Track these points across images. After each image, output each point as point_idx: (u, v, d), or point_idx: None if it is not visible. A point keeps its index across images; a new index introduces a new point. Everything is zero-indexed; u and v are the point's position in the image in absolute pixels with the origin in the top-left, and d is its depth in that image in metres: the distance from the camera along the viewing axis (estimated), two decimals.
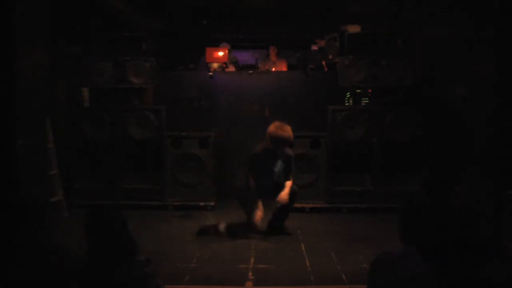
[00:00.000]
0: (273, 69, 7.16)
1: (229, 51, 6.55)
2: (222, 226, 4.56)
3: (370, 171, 5.32)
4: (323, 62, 6.38)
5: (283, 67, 7.42)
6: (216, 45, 6.86)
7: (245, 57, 8.41)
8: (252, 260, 3.66)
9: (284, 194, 4.27)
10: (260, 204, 4.35)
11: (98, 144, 5.41)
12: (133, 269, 1.79)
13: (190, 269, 3.47)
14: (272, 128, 4.27)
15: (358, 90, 5.67)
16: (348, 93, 5.78)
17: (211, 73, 6.00)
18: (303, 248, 3.99)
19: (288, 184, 4.34)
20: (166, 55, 6.97)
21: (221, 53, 6.25)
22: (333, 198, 5.28)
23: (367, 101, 5.68)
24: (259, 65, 7.11)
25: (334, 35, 6.05)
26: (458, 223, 1.50)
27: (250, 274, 3.37)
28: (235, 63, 7.03)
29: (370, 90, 5.66)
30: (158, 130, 5.39)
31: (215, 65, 6.31)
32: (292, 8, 7.57)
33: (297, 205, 5.28)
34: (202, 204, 5.39)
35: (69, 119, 5.50)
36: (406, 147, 5.23)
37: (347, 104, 5.81)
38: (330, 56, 6.14)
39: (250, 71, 6.18)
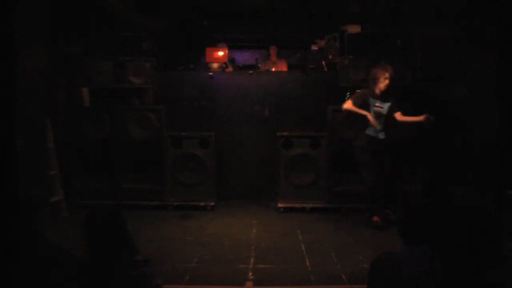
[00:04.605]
0: (273, 69, 7.15)
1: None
2: None
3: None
4: (323, 62, 6.38)
5: (283, 67, 7.42)
6: (216, 45, 6.87)
7: (245, 57, 8.41)
8: (252, 260, 3.67)
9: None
10: None
11: (98, 144, 5.41)
12: (132, 269, 1.79)
13: (190, 269, 3.47)
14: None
15: (358, 90, 5.66)
16: (348, 93, 5.77)
17: (211, 73, 6.00)
18: (303, 248, 3.99)
19: None
20: (166, 55, 6.97)
21: (221, 53, 6.26)
22: (333, 198, 5.28)
23: None
24: (259, 65, 7.11)
25: (334, 35, 6.04)
26: (460, 224, 1.49)
27: (250, 274, 3.37)
28: (232, 62, 7.04)
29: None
30: (158, 130, 5.39)
31: (215, 65, 6.32)
32: (292, 8, 7.57)
33: (297, 205, 5.32)
34: (202, 204, 5.39)
35: (69, 119, 5.50)
36: (406, 147, 5.23)
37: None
38: (330, 56, 6.14)
39: (250, 71, 6.18)
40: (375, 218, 4.59)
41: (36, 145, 4.63)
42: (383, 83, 4.51)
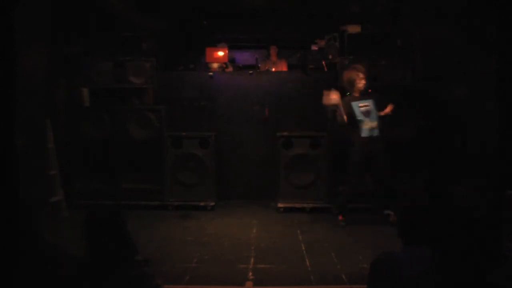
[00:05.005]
0: (273, 69, 7.15)
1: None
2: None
3: (370, 171, 5.31)
4: (323, 62, 6.38)
5: (283, 67, 7.42)
6: (216, 45, 6.86)
7: (245, 57, 8.41)
8: (252, 260, 3.67)
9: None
10: None
11: (98, 144, 5.41)
12: (132, 269, 1.79)
13: (190, 269, 3.47)
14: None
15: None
16: (348, 93, 5.77)
17: (211, 73, 6.00)
18: (303, 248, 3.99)
19: None
20: (166, 55, 6.97)
21: (221, 53, 6.25)
22: (333, 198, 5.27)
23: None
24: (259, 65, 7.11)
25: (334, 35, 6.04)
26: (460, 224, 1.49)
27: (250, 274, 3.37)
28: (232, 62, 7.04)
29: (370, 90, 5.65)
30: (158, 130, 5.39)
31: (215, 65, 6.31)
32: (292, 8, 7.57)
33: (297, 205, 5.32)
34: (202, 204, 5.39)
35: (69, 119, 5.50)
36: (406, 147, 5.23)
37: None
38: (330, 56, 6.14)
39: (250, 71, 6.18)
40: (341, 217, 4.70)
41: (36, 145, 4.63)
42: (360, 83, 4.59)
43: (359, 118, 4.55)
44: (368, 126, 4.54)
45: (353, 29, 5.85)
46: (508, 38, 4.04)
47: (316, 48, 7.32)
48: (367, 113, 4.56)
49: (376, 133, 4.56)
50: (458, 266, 1.45)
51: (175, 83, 6.05)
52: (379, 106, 4.64)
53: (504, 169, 3.98)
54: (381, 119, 4.62)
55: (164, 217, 5.07)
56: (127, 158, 5.45)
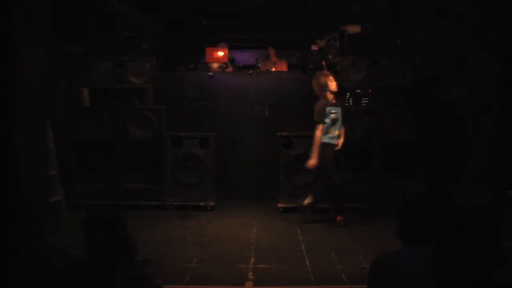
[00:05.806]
0: (273, 69, 7.16)
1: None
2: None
3: (370, 171, 5.32)
4: (323, 62, 6.38)
5: (283, 67, 7.42)
6: (216, 45, 6.87)
7: (245, 57, 8.41)
8: (252, 260, 3.66)
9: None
10: None
11: (98, 144, 5.41)
12: (132, 269, 1.79)
13: (190, 269, 3.47)
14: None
15: (358, 90, 5.67)
16: (348, 93, 5.78)
17: (211, 73, 6.00)
18: (303, 248, 3.99)
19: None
20: (166, 55, 6.97)
21: (221, 53, 6.26)
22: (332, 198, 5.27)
23: (367, 101, 5.68)
24: (259, 65, 7.11)
25: (334, 35, 6.04)
26: (460, 224, 1.49)
27: (250, 274, 3.37)
28: (232, 62, 7.05)
29: (370, 90, 5.66)
30: (158, 130, 5.39)
31: (215, 65, 6.32)
32: (292, 8, 7.57)
33: None
34: (202, 204, 5.39)
35: (69, 119, 5.50)
36: (406, 147, 5.23)
37: (347, 104, 5.80)
38: (330, 56, 6.14)
39: (250, 71, 6.18)
40: (339, 218, 4.70)
41: (36, 145, 4.63)
42: (333, 86, 4.68)
43: (327, 124, 4.64)
44: (332, 134, 4.66)
45: (353, 29, 5.85)
46: (508, 38, 4.04)
47: (316, 48, 7.33)
48: (334, 121, 4.68)
49: (335, 140, 4.68)
50: (458, 266, 1.45)
51: (175, 83, 6.05)
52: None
53: (504, 169, 3.98)
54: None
55: (164, 217, 5.07)
56: (127, 158, 5.45)
